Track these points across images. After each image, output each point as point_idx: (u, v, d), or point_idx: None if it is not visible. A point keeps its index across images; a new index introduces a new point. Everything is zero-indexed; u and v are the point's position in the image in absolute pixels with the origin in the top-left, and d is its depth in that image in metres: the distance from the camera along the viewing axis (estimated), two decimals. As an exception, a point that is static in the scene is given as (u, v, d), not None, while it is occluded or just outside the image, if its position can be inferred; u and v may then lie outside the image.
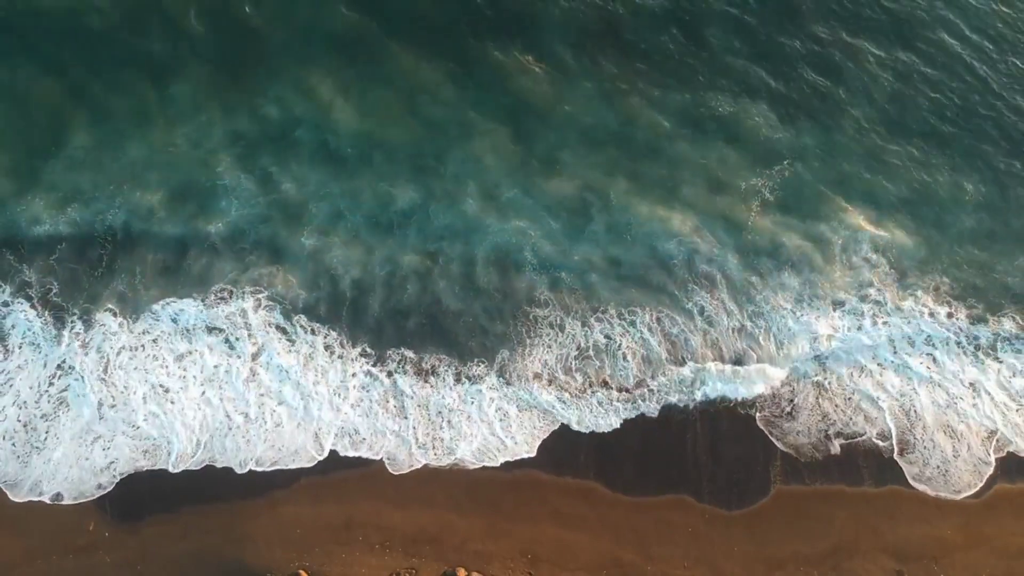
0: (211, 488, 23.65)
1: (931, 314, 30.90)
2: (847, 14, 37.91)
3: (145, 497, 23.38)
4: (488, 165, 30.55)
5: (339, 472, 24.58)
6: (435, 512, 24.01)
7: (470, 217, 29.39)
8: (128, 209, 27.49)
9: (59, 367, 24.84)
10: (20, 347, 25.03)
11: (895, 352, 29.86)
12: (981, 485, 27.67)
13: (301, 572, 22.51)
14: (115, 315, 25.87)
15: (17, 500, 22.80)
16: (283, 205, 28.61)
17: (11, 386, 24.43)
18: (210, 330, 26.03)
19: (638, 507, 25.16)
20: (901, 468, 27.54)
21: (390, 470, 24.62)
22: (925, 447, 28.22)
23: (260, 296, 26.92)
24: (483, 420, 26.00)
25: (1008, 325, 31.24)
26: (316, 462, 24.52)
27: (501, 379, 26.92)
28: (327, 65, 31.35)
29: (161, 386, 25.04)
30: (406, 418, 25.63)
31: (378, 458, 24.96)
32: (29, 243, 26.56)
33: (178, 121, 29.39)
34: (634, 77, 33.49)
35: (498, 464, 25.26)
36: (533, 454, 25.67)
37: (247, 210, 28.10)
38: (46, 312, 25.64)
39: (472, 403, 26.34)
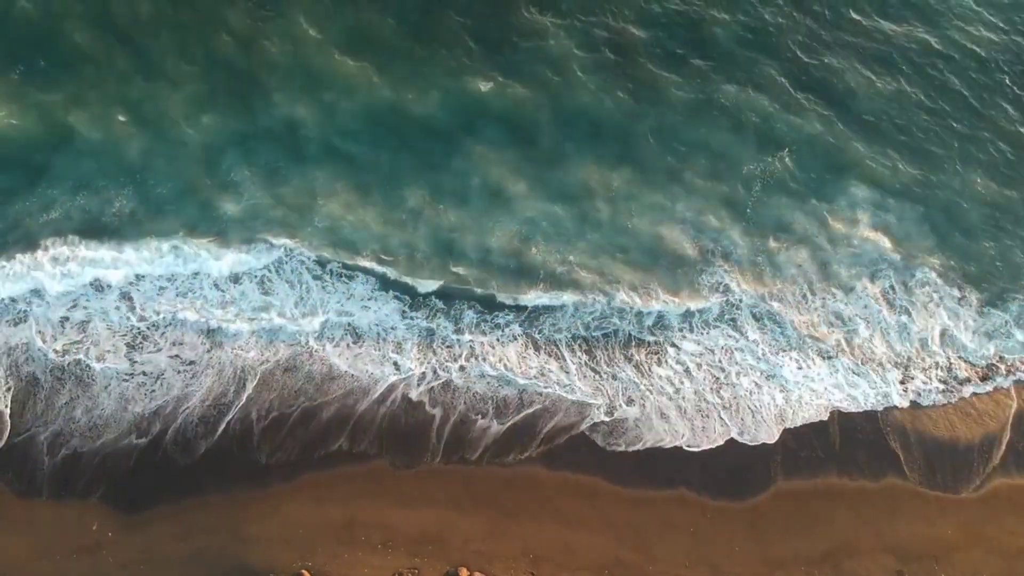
0: (214, 487, 23.66)
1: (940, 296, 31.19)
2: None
3: (148, 497, 23.38)
4: (492, 159, 29.85)
5: (340, 469, 24.57)
6: (437, 511, 24.07)
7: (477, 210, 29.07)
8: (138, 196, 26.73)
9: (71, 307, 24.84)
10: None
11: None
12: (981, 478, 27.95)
13: (304, 572, 22.65)
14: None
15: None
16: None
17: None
18: (236, 277, 26.15)
19: (639, 505, 25.24)
20: (899, 458, 27.70)
21: (395, 470, 24.73)
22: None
23: (286, 243, 26.73)
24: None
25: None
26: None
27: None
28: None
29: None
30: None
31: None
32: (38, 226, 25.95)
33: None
34: (638, 70, 32.93)
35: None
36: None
37: (256, 200, 27.53)
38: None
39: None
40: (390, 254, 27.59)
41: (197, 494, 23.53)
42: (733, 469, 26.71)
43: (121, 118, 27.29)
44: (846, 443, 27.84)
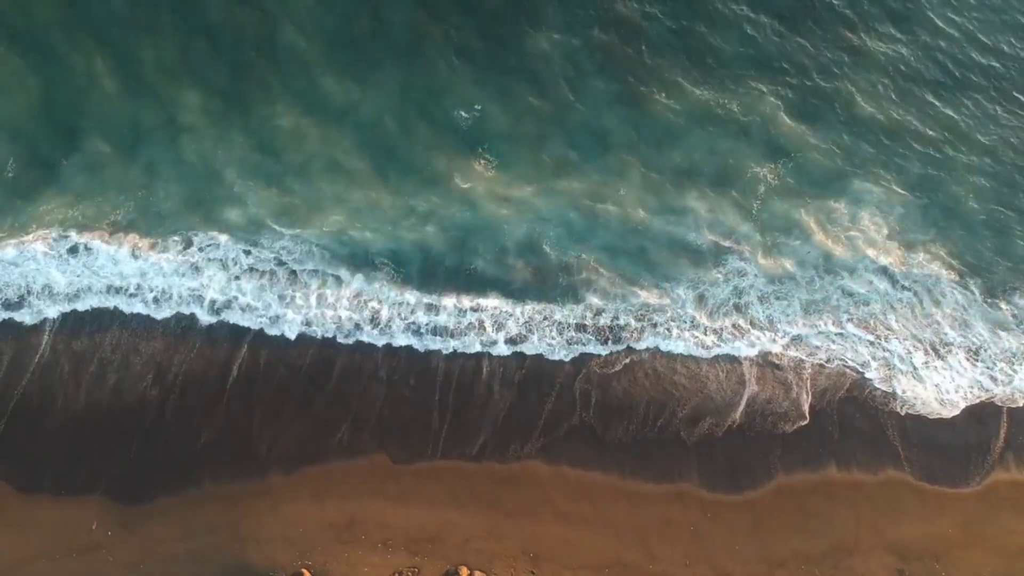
0: (214, 487, 23.61)
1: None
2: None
3: (148, 495, 23.34)
4: (503, 161, 29.64)
5: (339, 464, 24.50)
6: (437, 510, 24.04)
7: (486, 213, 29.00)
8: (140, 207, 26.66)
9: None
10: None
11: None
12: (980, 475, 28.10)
13: (304, 571, 22.67)
14: None
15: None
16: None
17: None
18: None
19: (639, 503, 25.24)
20: (899, 452, 27.76)
21: (394, 463, 24.68)
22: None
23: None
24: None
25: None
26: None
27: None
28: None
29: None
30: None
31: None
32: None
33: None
34: (646, 75, 32.39)
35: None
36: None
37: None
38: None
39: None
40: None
41: (197, 492, 23.50)
42: (733, 462, 26.68)
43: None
44: (845, 436, 27.84)
